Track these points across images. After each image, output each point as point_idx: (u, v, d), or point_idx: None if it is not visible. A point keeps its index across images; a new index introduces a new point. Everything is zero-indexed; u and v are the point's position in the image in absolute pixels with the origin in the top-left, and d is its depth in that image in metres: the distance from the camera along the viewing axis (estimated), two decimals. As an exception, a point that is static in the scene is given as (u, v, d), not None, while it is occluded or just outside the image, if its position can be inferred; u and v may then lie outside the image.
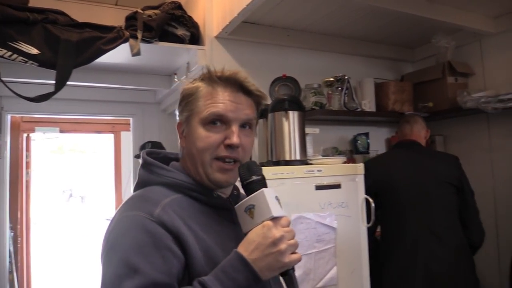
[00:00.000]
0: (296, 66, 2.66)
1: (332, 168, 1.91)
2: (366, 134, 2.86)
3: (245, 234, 0.85)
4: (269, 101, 2.00)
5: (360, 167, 1.96)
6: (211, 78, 0.96)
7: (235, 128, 0.93)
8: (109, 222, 0.88)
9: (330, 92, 2.58)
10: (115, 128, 4.07)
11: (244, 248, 0.81)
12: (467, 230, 2.15)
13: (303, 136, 1.91)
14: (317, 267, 1.76)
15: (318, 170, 1.84)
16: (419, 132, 2.34)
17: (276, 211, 0.83)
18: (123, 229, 0.82)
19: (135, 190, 0.98)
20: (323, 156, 2.23)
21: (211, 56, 2.43)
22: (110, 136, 4.22)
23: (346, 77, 2.58)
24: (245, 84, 0.95)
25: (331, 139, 2.80)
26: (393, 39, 2.97)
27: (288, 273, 0.83)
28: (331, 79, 2.57)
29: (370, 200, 1.89)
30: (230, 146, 0.92)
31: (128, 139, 3.59)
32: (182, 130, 1.00)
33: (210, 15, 2.46)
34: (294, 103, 1.90)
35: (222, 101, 0.93)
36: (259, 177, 0.89)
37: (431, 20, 2.39)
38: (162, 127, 3.29)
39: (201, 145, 0.92)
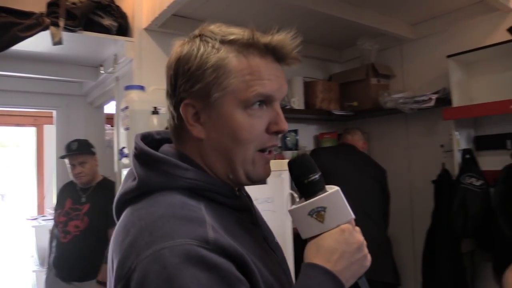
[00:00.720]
0: (228, 62, 2.66)
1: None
2: (295, 131, 2.94)
3: (304, 241, 0.72)
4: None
5: (285, 163, 2.01)
6: (251, 44, 0.70)
7: (279, 109, 0.73)
8: (124, 258, 0.60)
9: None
10: (37, 121, 3.84)
11: (325, 259, 0.66)
12: None
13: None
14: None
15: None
16: (358, 142, 2.67)
17: (351, 212, 0.72)
18: (174, 270, 0.54)
19: (132, 198, 0.70)
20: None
21: (140, 48, 2.36)
22: (33, 130, 3.97)
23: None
24: (290, 55, 0.73)
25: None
26: (322, 40, 3.08)
27: (362, 277, 0.72)
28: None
29: (295, 195, 1.95)
30: (277, 133, 0.73)
31: (52, 133, 3.40)
32: (195, 115, 0.71)
33: (139, 6, 2.38)
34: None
35: (268, 77, 0.71)
36: (319, 173, 0.73)
37: (357, 24, 2.52)
38: (89, 120, 3.15)
39: (246, 135, 0.70)
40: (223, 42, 0.70)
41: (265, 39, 0.70)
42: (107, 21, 2.29)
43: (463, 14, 2.56)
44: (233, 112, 0.69)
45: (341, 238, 0.68)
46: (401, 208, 2.45)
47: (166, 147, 0.77)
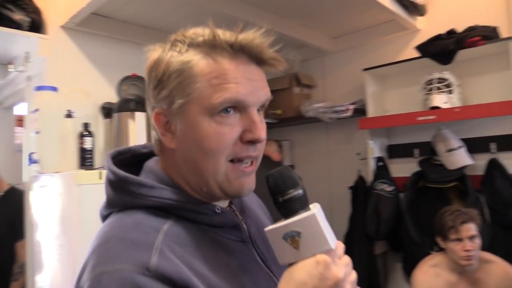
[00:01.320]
0: (151, 65, 2.59)
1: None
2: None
3: (283, 266, 0.62)
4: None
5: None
6: (216, 45, 0.64)
7: (255, 115, 0.65)
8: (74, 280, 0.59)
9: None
10: None
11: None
12: None
13: (149, 138, 1.87)
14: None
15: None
16: (272, 153, 2.68)
17: (332, 240, 0.60)
18: None
19: (103, 217, 0.69)
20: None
21: (56, 47, 2.20)
22: None
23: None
24: (265, 54, 0.66)
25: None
26: (249, 48, 3.12)
27: None
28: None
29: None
30: (253, 142, 0.65)
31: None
32: (166, 124, 0.67)
33: (55, 1, 2.23)
34: (141, 104, 1.85)
35: (236, 79, 0.63)
36: (301, 191, 0.62)
37: (281, 34, 2.58)
38: (-4, 122, 2.88)
39: (212, 145, 0.63)
40: (191, 44, 0.65)
41: (230, 38, 0.64)
42: (17, 16, 2.11)
43: (378, 31, 2.75)
44: (199, 120, 0.63)
45: (315, 272, 0.57)
46: (321, 213, 2.56)
47: (151, 161, 0.73)
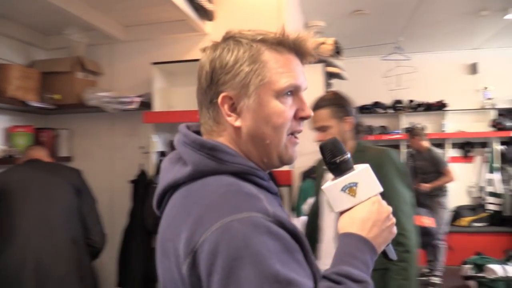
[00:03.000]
0: None
1: None
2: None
3: (337, 214, 0.82)
4: None
5: None
6: (282, 43, 0.78)
7: (304, 98, 0.81)
8: (192, 235, 0.64)
9: None
10: None
11: (360, 228, 0.76)
12: (90, 233, 2.23)
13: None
14: None
15: None
16: (43, 156, 2.33)
17: (380, 186, 0.81)
18: (244, 238, 0.61)
19: (186, 180, 0.74)
20: None
21: None
22: None
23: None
24: (308, 50, 0.82)
25: None
26: (25, 20, 2.71)
27: (389, 243, 0.82)
28: None
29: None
30: (303, 119, 0.82)
31: None
32: (232, 106, 0.78)
33: None
34: None
35: (295, 69, 0.80)
36: (348, 154, 0.82)
37: (65, 11, 2.33)
38: None
39: (280, 120, 0.77)
40: (254, 40, 0.77)
41: (293, 36, 0.79)
42: None
43: (169, 28, 2.79)
44: (269, 100, 0.76)
45: (373, 209, 0.78)
46: (102, 208, 2.41)
47: (208, 139, 0.80)
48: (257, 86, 0.76)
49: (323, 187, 0.83)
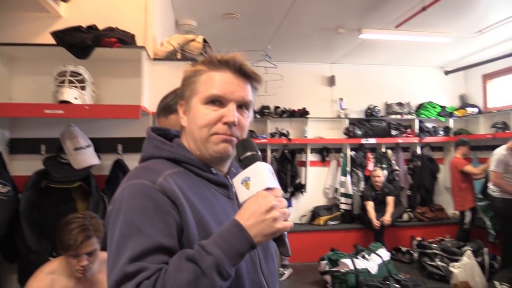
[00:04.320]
0: None
1: None
2: None
3: (241, 205, 0.91)
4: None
5: None
6: (212, 62, 1.01)
7: (232, 107, 0.99)
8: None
9: None
10: None
11: (240, 216, 0.87)
12: None
13: None
14: None
15: None
16: None
17: (270, 182, 0.91)
18: (128, 195, 0.89)
19: (140, 163, 1.03)
20: None
21: None
22: None
23: None
24: (243, 67, 1.01)
25: None
26: None
27: (280, 238, 0.90)
28: None
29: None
30: (227, 124, 0.98)
31: None
32: (183, 110, 1.05)
33: None
34: None
35: (221, 83, 0.99)
36: (253, 152, 0.97)
37: None
38: None
39: (201, 121, 0.99)
40: (203, 62, 1.04)
41: (219, 57, 1.01)
42: None
43: (14, 4, 2.34)
44: (196, 106, 1.01)
45: (255, 201, 0.88)
46: None
47: (176, 138, 1.08)
48: (190, 95, 1.02)
49: (233, 179, 0.97)
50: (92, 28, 2.27)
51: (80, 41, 2.14)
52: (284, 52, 5.68)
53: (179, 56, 2.48)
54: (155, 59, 2.46)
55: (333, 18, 4.38)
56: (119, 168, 2.26)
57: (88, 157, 2.18)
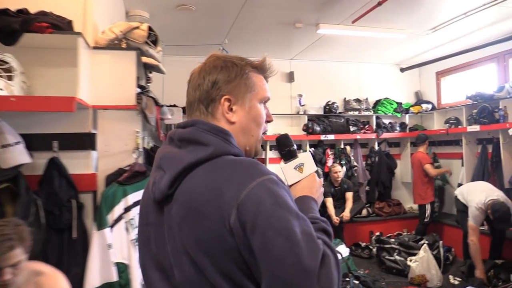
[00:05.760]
0: None
1: None
2: None
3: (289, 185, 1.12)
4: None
5: None
6: (262, 68, 1.08)
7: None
8: (236, 193, 0.84)
9: None
10: None
11: (310, 192, 1.11)
12: None
13: None
14: None
15: None
16: None
17: (315, 167, 1.17)
18: (273, 190, 0.85)
19: (208, 158, 0.92)
20: None
21: None
22: None
23: None
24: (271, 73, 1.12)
25: None
26: None
27: None
28: None
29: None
30: (268, 122, 1.10)
31: None
32: (229, 105, 1.02)
33: None
34: None
35: (267, 87, 1.09)
36: (295, 146, 1.19)
37: None
38: None
39: (261, 121, 1.06)
40: (248, 64, 1.07)
41: (261, 63, 1.09)
42: None
43: None
44: (256, 104, 1.05)
45: (313, 180, 1.14)
46: None
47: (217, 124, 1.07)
48: (248, 93, 1.04)
49: (281, 166, 1.15)
50: (22, 11, 2.04)
51: (6, 25, 1.92)
52: (243, 47, 5.55)
53: (123, 45, 2.29)
54: (95, 47, 2.26)
55: (290, 11, 4.29)
56: (55, 167, 2.04)
57: (17, 156, 1.95)
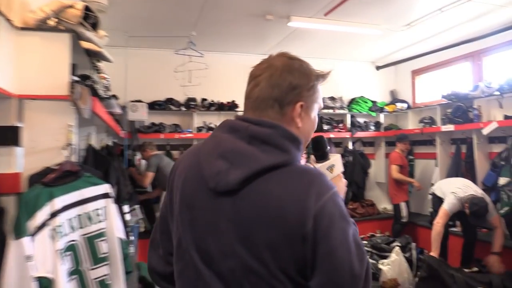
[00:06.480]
0: None
1: None
2: None
3: None
4: None
5: None
6: (324, 80, 1.13)
7: None
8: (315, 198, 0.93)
9: None
10: None
11: (339, 191, 1.14)
12: None
13: None
14: None
15: None
16: None
17: (343, 168, 1.28)
18: (340, 202, 0.97)
19: (283, 164, 0.97)
20: None
21: None
22: None
23: None
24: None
25: None
26: None
27: None
28: None
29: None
30: None
31: None
32: (301, 111, 1.07)
33: None
34: None
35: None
36: (329, 148, 1.28)
37: None
38: None
39: (314, 129, 1.14)
40: (317, 75, 1.12)
41: (326, 76, 1.14)
42: None
43: None
44: (315, 113, 1.12)
45: (341, 180, 1.23)
46: None
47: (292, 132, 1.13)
48: (314, 102, 1.11)
49: (317, 166, 1.21)
50: None
51: None
52: (212, 41, 5.29)
53: (54, 24, 2.00)
54: (23, 28, 1.97)
55: (259, 2, 4.05)
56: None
57: None
